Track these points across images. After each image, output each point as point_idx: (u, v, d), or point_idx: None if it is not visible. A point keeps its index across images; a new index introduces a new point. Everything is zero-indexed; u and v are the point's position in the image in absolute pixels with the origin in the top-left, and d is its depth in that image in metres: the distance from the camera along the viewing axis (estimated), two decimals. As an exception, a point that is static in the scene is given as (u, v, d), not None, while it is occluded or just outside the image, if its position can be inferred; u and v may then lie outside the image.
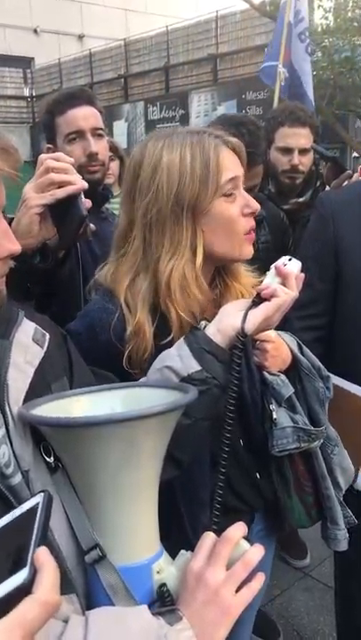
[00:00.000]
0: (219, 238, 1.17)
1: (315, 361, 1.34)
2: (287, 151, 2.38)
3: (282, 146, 2.39)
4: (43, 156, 1.26)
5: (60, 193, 1.20)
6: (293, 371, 1.33)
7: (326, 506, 1.39)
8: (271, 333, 1.26)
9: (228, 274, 1.31)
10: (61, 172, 1.22)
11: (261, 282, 1.08)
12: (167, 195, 1.13)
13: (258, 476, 1.37)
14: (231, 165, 1.16)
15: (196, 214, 1.14)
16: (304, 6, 4.38)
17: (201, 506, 1.19)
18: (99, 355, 1.10)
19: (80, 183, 1.22)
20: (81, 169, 1.88)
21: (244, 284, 1.31)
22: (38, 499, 0.63)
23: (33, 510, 0.62)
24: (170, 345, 1.09)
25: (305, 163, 2.38)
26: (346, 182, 2.24)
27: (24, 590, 0.55)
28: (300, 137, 2.38)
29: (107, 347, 1.13)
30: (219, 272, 1.30)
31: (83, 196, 1.33)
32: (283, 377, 1.30)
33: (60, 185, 1.21)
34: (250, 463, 1.33)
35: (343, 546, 1.42)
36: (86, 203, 1.28)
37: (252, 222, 1.20)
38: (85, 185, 1.25)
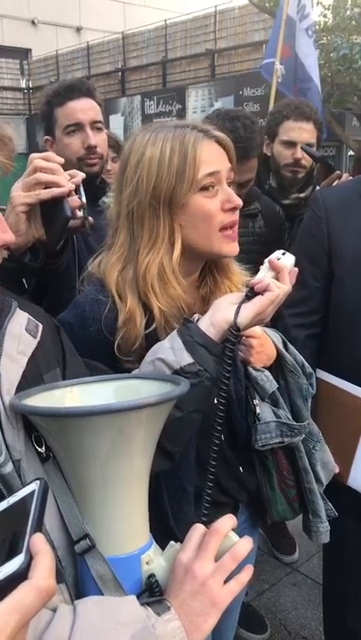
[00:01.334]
0: (197, 233, 1.17)
1: (299, 358, 1.36)
2: (291, 145, 2.38)
3: (285, 139, 2.40)
4: (33, 155, 1.25)
5: (45, 194, 1.20)
6: (277, 366, 1.34)
7: (309, 499, 1.41)
8: (257, 329, 1.26)
9: (218, 270, 1.30)
10: (49, 172, 1.22)
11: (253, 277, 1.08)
12: (146, 188, 1.14)
13: (241, 469, 1.38)
14: (213, 159, 1.15)
15: (172, 208, 1.15)
16: (309, 2, 4.36)
17: (186, 498, 1.20)
18: (88, 345, 1.11)
19: (66, 185, 1.22)
20: (79, 162, 1.88)
21: (234, 282, 1.30)
22: (34, 486, 0.63)
23: (29, 497, 0.62)
24: (154, 334, 1.11)
25: (307, 157, 2.39)
26: (336, 182, 2.25)
27: (20, 576, 0.56)
28: (303, 131, 2.38)
29: (96, 337, 1.14)
30: (210, 269, 1.30)
31: (81, 194, 1.34)
32: (267, 373, 1.31)
33: (47, 185, 1.21)
34: (232, 456, 1.34)
35: (325, 538, 1.44)
36: (73, 202, 1.28)
37: (233, 217, 1.18)
38: (72, 187, 1.25)
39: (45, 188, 1.21)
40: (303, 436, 1.36)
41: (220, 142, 1.19)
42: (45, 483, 0.64)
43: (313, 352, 1.75)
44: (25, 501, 0.62)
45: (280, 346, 1.34)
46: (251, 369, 1.30)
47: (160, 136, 1.15)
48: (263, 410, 1.31)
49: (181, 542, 0.85)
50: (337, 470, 1.56)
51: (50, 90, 1.96)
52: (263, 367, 1.32)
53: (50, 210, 1.22)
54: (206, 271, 1.30)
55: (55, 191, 1.20)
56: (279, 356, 1.33)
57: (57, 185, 1.21)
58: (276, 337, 1.36)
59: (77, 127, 1.87)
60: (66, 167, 1.86)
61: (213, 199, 1.16)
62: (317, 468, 1.42)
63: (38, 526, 0.60)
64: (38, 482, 0.64)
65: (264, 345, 1.30)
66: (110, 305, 1.15)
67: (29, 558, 0.57)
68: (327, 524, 1.43)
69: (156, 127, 1.19)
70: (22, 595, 0.55)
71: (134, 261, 1.17)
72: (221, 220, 1.17)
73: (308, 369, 1.37)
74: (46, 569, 0.57)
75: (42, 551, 0.58)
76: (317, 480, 1.43)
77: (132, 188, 1.16)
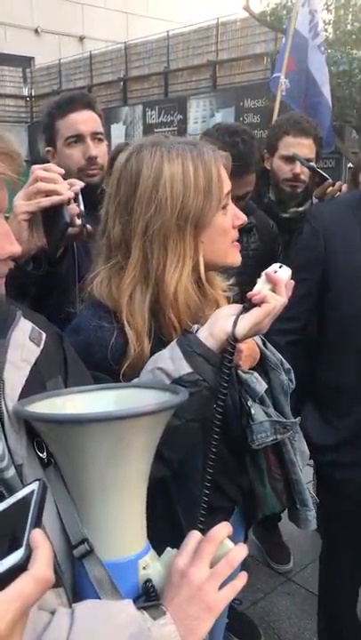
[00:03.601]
0: (215, 248, 1.20)
1: (277, 355, 1.40)
2: (290, 160, 2.42)
3: (285, 154, 2.43)
4: (35, 166, 1.29)
5: (45, 202, 1.23)
6: (260, 366, 1.38)
7: (296, 490, 1.44)
8: None
9: (207, 280, 1.31)
10: (50, 181, 1.25)
11: (250, 290, 1.11)
12: (171, 208, 1.12)
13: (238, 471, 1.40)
14: (226, 178, 1.20)
15: (198, 227, 1.15)
16: (320, 19, 4.45)
17: (195, 503, 1.22)
18: (91, 370, 1.09)
19: (66, 193, 1.25)
20: (80, 172, 1.91)
21: (216, 289, 1.30)
22: (34, 486, 0.66)
23: (28, 497, 0.65)
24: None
25: (306, 172, 2.42)
26: (329, 189, 2.29)
27: (20, 568, 0.59)
28: (303, 147, 2.42)
29: (101, 364, 1.12)
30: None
31: (80, 202, 1.37)
32: (256, 374, 1.34)
33: (48, 194, 1.24)
34: (232, 460, 1.37)
35: (313, 525, 1.48)
36: (73, 209, 1.31)
37: (237, 232, 1.25)
38: (71, 195, 1.28)
39: (46, 196, 1.24)
40: (292, 431, 1.40)
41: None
42: (44, 483, 0.66)
43: (293, 356, 1.78)
44: (25, 500, 0.65)
45: (261, 345, 1.38)
46: (240, 372, 1.33)
47: (175, 153, 1.13)
48: (256, 411, 1.34)
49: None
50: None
51: (51, 102, 1.99)
52: (250, 368, 1.35)
53: (50, 217, 1.25)
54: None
55: (55, 199, 1.23)
56: (262, 355, 1.37)
57: (57, 193, 1.24)
58: (257, 337, 1.38)
59: (78, 138, 1.90)
60: (67, 178, 1.89)
61: (227, 216, 1.21)
62: (297, 457, 1.46)
63: (38, 522, 0.62)
64: (38, 482, 0.66)
65: (251, 348, 1.33)
66: (117, 332, 1.14)
67: (29, 551, 0.60)
68: (314, 511, 1.47)
69: (159, 142, 1.16)
70: (22, 585, 0.58)
71: (154, 282, 1.15)
72: (233, 235, 1.23)
73: (286, 365, 1.41)
74: (45, 561, 0.60)
75: (41, 545, 0.61)
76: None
77: (154, 209, 1.12)
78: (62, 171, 1.30)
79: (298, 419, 1.41)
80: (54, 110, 1.93)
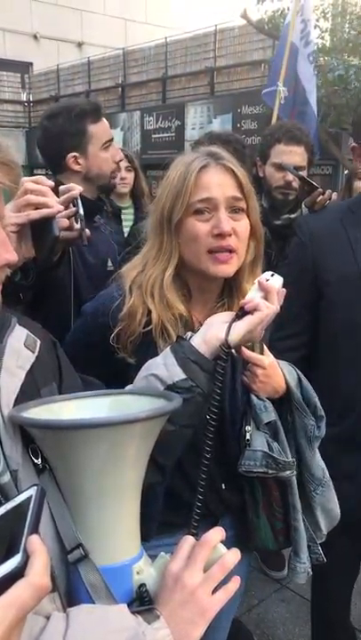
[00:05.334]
0: (189, 251, 1.28)
1: (312, 399, 1.34)
2: (282, 168, 2.44)
3: (277, 162, 2.45)
4: (24, 178, 1.30)
5: (35, 215, 1.24)
6: (287, 403, 1.34)
7: (293, 537, 1.39)
8: (265, 359, 1.25)
9: (235, 291, 1.36)
10: (39, 194, 1.26)
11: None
12: (157, 206, 1.30)
13: (223, 486, 1.39)
14: (211, 186, 1.23)
15: (170, 225, 1.26)
16: (313, 29, 4.49)
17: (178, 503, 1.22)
18: (94, 332, 1.30)
19: (55, 207, 1.26)
20: (110, 174, 2.06)
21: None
22: (31, 492, 0.66)
23: (26, 503, 0.65)
24: (150, 333, 1.23)
25: (298, 179, 2.44)
26: (319, 198, 2.30)
27: (17, 574, 0.59)
28: (294, 155, 2.44)
29: (103, 328, 1.28)
30: (229, 287, 1.37)
31: (79, 207, 1.39)
32: (268, 403, 1.32)
33: (37, 207, 1.25)
34: (215, 472, 1.33)
35: (302, 579, 1.42)
36: (62, 222, 1.33)
37: (220, 243, 1.24)
38: (61, 208, 1.29)
39: (35, 209, 1.26)
40: (293, 472, 1.34)
41: (227, 168, 1.25)
42: (42, 489, 0.67)
43: (305, 370, 1.80)
44: (22, 506, 0.65)
45: (292, 382, 1.32)
46: (253, 396, 1.32)
47: (182, 161, 1.29)
48: (255, 437, 1.31)
49: (171, 553, 0.88)
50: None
51: (78, 107, 1.97)
52: (268, 398, 1.32)
53: (39, 230, 1.27)
54: (225, 291, 1.37)
55: (44, 212, 1.24)
56: (289, 391, 1.32)
57: (46, 206, 1.25)
58: (290, 372, 1.34)
59: (110, 143, 2.02)
60: (98, 181, 2.00)
61: (205, 223, 1.24)
62: (316, 512, 1.40)
63: (35, 528, 0.63)
64: (35, 487, 0.67)
65: (270, 377, 1.28)
66: (120, 300, 1.30)
67: (26, 557, 0.60)
68: (307, 565, 1.40)
69: (190, 152, 1.34)
70: (19, 591, 0.58)
71: (145, 270, 1.31)
72: (209, 243, 1.24)
73: (320, 412, 1.35)
74: (42, 567, 0.61)
75: (38, 551, 0.61)
76: (315, 524, 1.41)
77: (154, 205, 1.33)
78: (52, 184, 1.32)
79: (292, 460, 1.33)
80: (87, 115, 1.95)
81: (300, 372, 1.38)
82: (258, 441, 1.31)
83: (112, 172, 2.05)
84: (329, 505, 1.42)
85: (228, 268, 1.26)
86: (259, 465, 1.30)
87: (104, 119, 2.01)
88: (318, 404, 1.35)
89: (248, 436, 1.31)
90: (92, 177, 1.99)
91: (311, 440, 1.34)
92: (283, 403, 1.34)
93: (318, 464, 1.38)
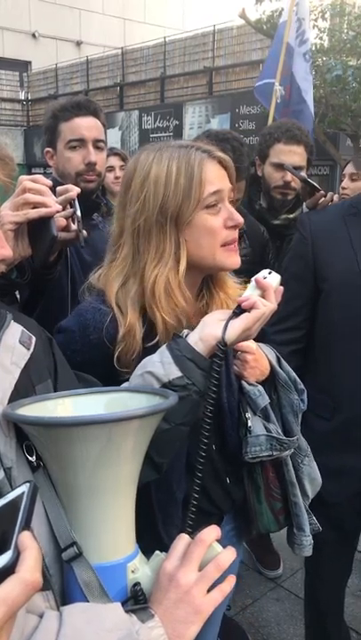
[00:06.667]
0: (201, 248, 1.22)
1: (292, 374, 1.39)
2: (281, 167, 2.43)
3: (276, 162, 2.44)
4: (22, 177, 1.30)
5: (33, 214, 1.24)
6: (270, 382, 1.37)
7: (294, 512, 1.43)
8: (252, 345, 1.30)
9: (214, 284, 1.35)
10: (37, 193, 1.26)
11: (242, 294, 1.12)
12: (153, 205, 1.19)
13: (228, 480, 1.40)
14: (216, 179, 1.21)
15: (179, 225, 1.20)
16: (309, 27, 4.47)
17: (175, 507, 1.22)
18: (88, 351, 1.16)
19: (54, 206, 1.26)
20: (77, 176, 1.94)
21: (230, 295, 1.35)
22: (24, 488, 0.66)
23: (18, 499, 0.65)
24: (155, 347, 1.13)
25: (297, 180, 2.43)
26: (321, 200, 2.31)
27: (8, 571, 0.59)
28: (294, 154, 2.43)
29: (97, 346, 1.18)
30: (206, 282, 1.34)
31: (76, 208, 1.38)
32: (260, 387, 1.34)
33: (35, 206, 1.25)
34: (221, 467, 1.37)
35: (308, 551, 1.47)
36: (60, 221, 1.32)
37: (234, 235, 1.24)
38: (59, 207, 1.29)
39: (33, 208, 1.25)
40: (292, 450, 1.38)
41: (221, 162, 1.24)
42: (35, 485, 0.67)
43: (295, 367, 1.80)
44: (14, 502, 0.65)
45: (274, 362, 1.37)
46: (244, 383, 1.33)
47: (165, 155, 1.20)
48: (255, 423, 1.33)
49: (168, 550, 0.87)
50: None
51: (57, 104, 2.01)
52: (257, 382, 1.35)
53: (37, 229, 1.26)
54: (203, 285, 1.34)
55: (42, 211, 1.24)
56: (273, 371, 1.36)
57: (44, 205, 1.25)
58: (270, 353, 1.39)
59: (80, 143, 1.93)
60: (64, 181, 1.91)
61: (217, 216, 1.21)
62: (304, 482, 1.45)
63: (27, 525, 0.62)
64: (28, 484, 0.66)
65: (258, 360, 1.33)
66: (112, 316, 1.20)
67: (17, 554, 0.60)
68: (310, 537, 1.45)
69: (159, 147, 1.24)
70: (9, 588, 0.58)
71: (139, 275, 1.22)
72: (225, 236, 1.23)
73: (300, 385, 1.40)
74: (33, 564, 0.60)
75: (29, 547, 0.61)
76: (304, 494, 1.45)
77: (139, 205, 1.20)
78: (50, 183, 1.31)
79: (296, 437, 1.38)
80: (59, 112, 1.96)
81: (275, 350, 1.41)
82: (257, 426, 1.33)
83: (81, 174, 1.94)
84: (313, 473, 1.47)
85: (238, 258, 1.26)
86: (265, 449, 1.32)
87: (77, 119, 1.92)
88: (297, 377, 1.40)
89: (250, 423, 1.32)
90: (59, 174, 1.99)
91: (297, 414, 1.38)
92: (264, 383, 1.36)
93: (301, 436, 1.42)
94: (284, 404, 1.37)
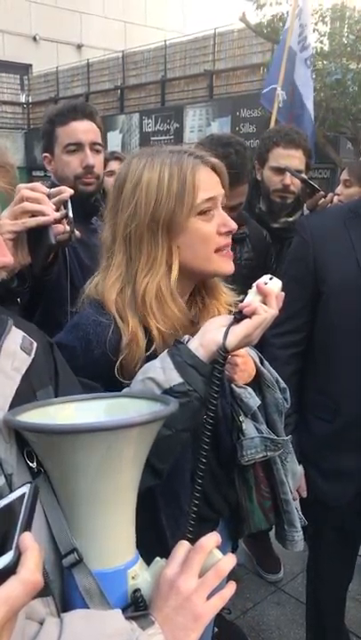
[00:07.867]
0: (194, 254, 1.21)
1: (274, 373, 1.40)
2: (280, 171, 2.44)
3: (275, 166, 2.45)
4: (20, 185, 1.30)
5: (31, 222, 1.24)
6: (255, 382, 1.37)
7: (285, 509, 1.43)
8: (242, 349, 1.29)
9: (207, 291, 1.34)
10: (35, 201, 1.26)
11: (242, 300, 1.12)
12: (145, 211, 1.17)
13: (226, 484, 1.40)
14: (209, 185, 1.20)
15: (171, 231, 1.18)
16: (310, 34, 4.50)
17: (183, 517, 1.22)
18: (91, 367, 1.13)
19: (51, 214, 1.26)
20: (76, 180, 1.95)
21: (222, 302, 1.34)
22: (25, 489, 0.66)
23: (19, 500, 0.65)
24: (153, 356, 1.12)
25: (296, 183, 2.44)
26: (321, 201, 2.31)
27: (9, 571, 0.59)
28: (293, 158, 2.44)
29: (101, 360, 1.16)
30: (198, 290, 1.34)
31: (69, 209, 1.38)
32: (250, 389, 1.34)
33: (34, 214, 1.25)
34: (219, 472, 1.37)
35: (300, 546, 1.48)
36: (57, 228, 1.33)
37: (227, 240, 1.24)
38: (57, 216, 1.29)
39: (32, 216, 1.25)
40: (282, 450, 1.39)
41: (214, 168, 1.23)
42: (36, 486, 0.67)
43: (295, 369, 1.81)
44: (15, 504, 0.65)
45: (258, 362, 1.38)
46: (234, 386, 1.33)
47: (157, 161, 1.19)
48: (247, 426, 1.34)
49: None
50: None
51: (53, 109, 2.04)
52: (244, 384, 1.35)
53: (35, 237, 1.26)
54: (195, 292, 1.33)
55: (40, 219, 1.24)
56: (258, 372, 1.36)
57: (42, 214, 1.25)
58: (253, 354, 1.39)
59: (77, 147, 1.94)
60: (62, 184, 1.92)
61: (210, 223, 1.21)
62: (288, 478, 1.46)
63: (28, 525, 0.62)
64: (29, 485, 0.67)
65: (247, 363, 1.34)
66: (113, 327, 1.17)
67: (18, 554, 0.60)
68: (301, 532, 1.46)
69: (151, 152, 1.23)
70: (10, 588, 0.58)
71: (132, 283, 1.20)
72: (217, 242, 1.22)
73: (282, 384, 1.41)
74: (34, 564, 0.60)
75: (30, 548, 0.61)
76: (290, 489, 1.46)
77: (130, 211, 1.19)
78: (48, 190, 1.31)
79: (289, 437, 1.40)
80: (55, 117, 1.97)
81: (256, 350, 1.41)
82: (249, 429, 1.33)
83: (79, 177, 1.95)
84: (294, 467, 1.49)
85: (232, 264, 1.26)
86: (260, 450, 1.32)
87: (73, 122, 1.94)
88: (279, 377, 1.40)
89: (244, 426, 1.32)
90: (58, 179, 2.00)
91: (282, 413, 1.39)
92: (251, 384, 1.36)
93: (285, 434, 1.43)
94: (269, 404, 1.38)
